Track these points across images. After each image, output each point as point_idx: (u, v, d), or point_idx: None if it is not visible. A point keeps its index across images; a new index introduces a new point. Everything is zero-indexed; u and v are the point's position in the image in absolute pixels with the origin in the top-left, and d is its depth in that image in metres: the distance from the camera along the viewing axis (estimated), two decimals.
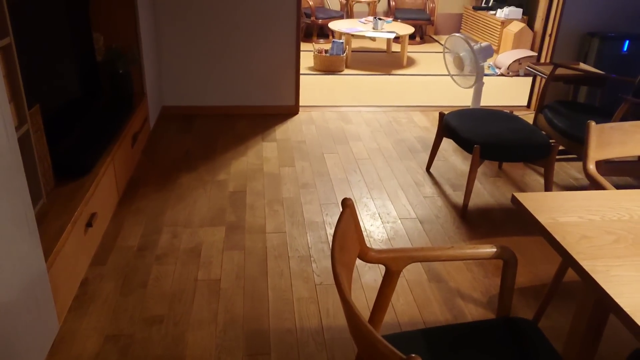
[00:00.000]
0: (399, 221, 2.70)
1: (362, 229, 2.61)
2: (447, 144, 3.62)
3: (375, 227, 2.63)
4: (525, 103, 4.54)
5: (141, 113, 3.23)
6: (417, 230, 2.63)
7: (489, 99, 4.58)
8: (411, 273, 2.28)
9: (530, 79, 5.23)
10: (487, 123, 2.89)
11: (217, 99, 3.99)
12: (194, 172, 3.11)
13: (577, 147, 2.85)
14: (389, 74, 5.33)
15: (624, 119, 2.73)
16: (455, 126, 2.88)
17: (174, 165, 3.18)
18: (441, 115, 3.09)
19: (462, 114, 3.03)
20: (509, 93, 4.85)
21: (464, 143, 2.76)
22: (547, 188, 2.82)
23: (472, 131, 2.78)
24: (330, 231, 2.59)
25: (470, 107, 3.87)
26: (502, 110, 3.17)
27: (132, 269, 2.25)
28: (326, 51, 5.34)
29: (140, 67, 3.28)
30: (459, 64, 3.83)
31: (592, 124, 1.68)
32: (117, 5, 3.11)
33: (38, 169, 2.01)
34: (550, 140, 2.74)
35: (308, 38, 6.62)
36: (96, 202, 2.29)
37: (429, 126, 3.95)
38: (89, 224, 2.16)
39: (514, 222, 2.74)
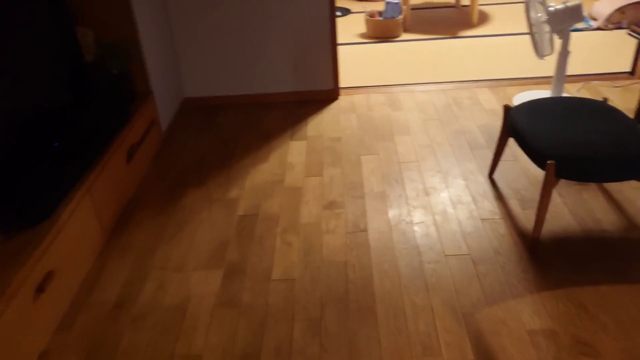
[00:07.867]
0: (444, 259, 2.08)
1: (397, 274, 2.02)
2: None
3: (412, 269, 2.03)
4: (628, 68, 3.59)
5: (144, 118, 2.78)
6: (467, 273, 2.00)
7: (579, 64, 3.68)
8: None
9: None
10: (568, 122, 2.13)
11: (244, 87, 3.45)
12: (203, 187, 2.63)
13: None
14: (455, 36, 4.49)
15: None
16: (523, 128, 2.16)
17: (183, 177, 2.72)
18: (506, 108, 2.36)
19: (535, 107, 2.29)
20: (606, 53, 3.89)
21: (533, 154, 2.05)
22: None
23: (545, 137, 2.05)
24: (354, 276, 2.03)
25: (549, 93, 3.03)
26: (594, 99, 2.37)
27: (99, 337, 1.84)
28: (380, 13, 4.58)
29: (141, 62, 2.80)
30: (535, 25, 2.99)
31: None
32: None
33: None
34: None
35: None
36: (57, 256, 1.88)
37: (498, 109, 3.18)
38: (40, 289, 1.76)
39: (605, 259, 2.02)
